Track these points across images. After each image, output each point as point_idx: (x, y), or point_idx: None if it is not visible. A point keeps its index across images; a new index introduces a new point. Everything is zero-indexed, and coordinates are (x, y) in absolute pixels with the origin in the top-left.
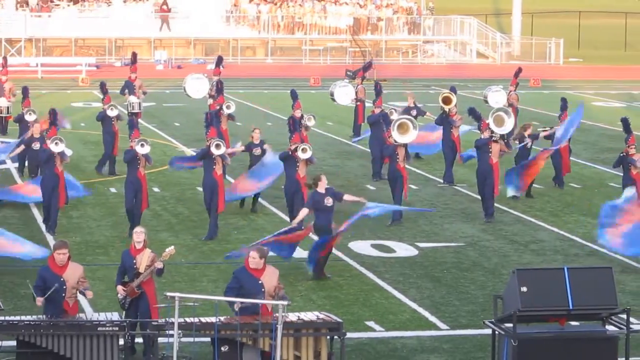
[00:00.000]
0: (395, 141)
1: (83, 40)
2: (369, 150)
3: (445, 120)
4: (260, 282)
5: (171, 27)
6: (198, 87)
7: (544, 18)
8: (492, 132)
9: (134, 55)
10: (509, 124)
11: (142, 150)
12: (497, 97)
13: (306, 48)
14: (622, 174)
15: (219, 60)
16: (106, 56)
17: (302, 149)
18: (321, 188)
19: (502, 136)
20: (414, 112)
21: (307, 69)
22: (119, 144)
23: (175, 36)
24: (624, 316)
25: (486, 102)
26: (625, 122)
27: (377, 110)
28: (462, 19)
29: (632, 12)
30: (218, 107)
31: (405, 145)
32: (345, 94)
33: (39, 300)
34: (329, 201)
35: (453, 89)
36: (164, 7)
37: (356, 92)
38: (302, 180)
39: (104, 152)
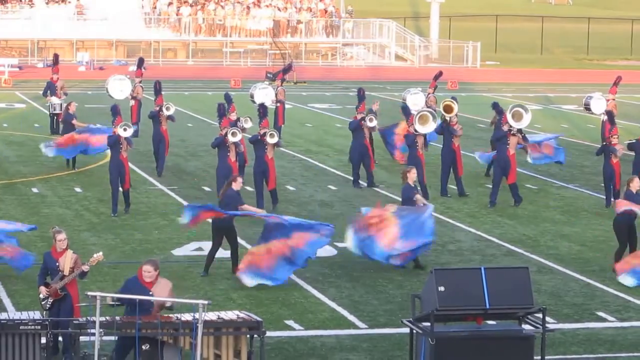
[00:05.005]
0: (416, 131)
1: (6, 42)
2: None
3: (445, 129)
4: (150, 293)
5: (91, 29)
6: (120, 88)
7: (461, 21)
8: (511, 126)
9: (56, 56)
10: (526, 119)
11: (125, 133)
12: (415, 99)
13: (227, 50)
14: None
15: (140, 62)
16: (29, 57)
17: (270, 134)
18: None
19: (519, 130)
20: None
21: (228, 71)
22: None
23: (97, 38)
24: (540, 315)
25: (404, 103)
26: (610, 115)
27: (360, 116)
28: (381, 22)
29: (549, 16)
30: (157, 108)
31: (424, 135)
32: (265, 95)
33: None
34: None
35: (454, 98)
36: None
37: (276, 94)
38: (270, 162)
39: None
